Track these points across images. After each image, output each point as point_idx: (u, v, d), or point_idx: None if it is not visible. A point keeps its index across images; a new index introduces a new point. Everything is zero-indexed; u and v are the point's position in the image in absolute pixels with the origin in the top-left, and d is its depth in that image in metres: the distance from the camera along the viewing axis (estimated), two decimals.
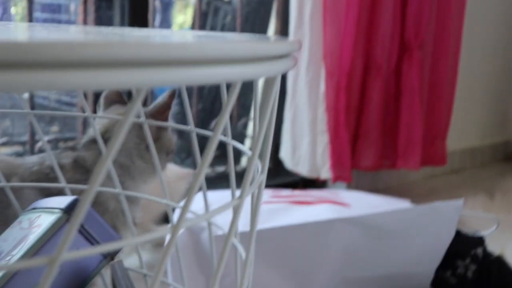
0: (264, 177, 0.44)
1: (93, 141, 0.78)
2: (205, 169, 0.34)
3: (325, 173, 1.55)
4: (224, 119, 0.35)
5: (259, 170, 0.45)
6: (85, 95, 1.02)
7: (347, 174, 1.55)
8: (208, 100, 1.80)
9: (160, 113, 0.75)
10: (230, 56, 0.31)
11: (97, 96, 1.22)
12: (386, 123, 1.66)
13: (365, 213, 0.91)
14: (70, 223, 0.27)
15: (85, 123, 1.21)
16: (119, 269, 0.53)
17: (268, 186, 1.56)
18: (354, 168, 1.63)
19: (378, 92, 1.61)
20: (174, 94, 0.77)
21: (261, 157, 0.45)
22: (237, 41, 0.33)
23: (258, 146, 0.40)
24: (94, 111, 0.86)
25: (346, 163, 1.54)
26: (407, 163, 1.66)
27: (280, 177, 1.70)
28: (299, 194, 1.08)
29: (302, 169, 1.59)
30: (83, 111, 1.26)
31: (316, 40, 1.52)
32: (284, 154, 1.64)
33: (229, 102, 0.35)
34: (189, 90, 1.76)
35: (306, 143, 1.58)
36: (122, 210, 0.75)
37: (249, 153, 0.45)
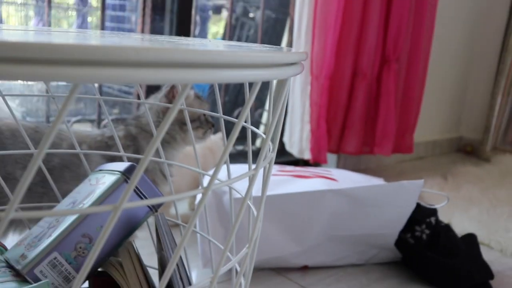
0: (274, 155, 0.44)
1: (138, 117, 0.80)
2: (230, 147, 0.34)
3: (307, 154, 1.54)
4: (247, 110, 0.35)
5: (270, 149, 0.45)
6: (141, 86, 1.03)
7: (323, 157, 1.52)
8: (233, 94, 1.80)
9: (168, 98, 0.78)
10: (253, 62, 0.31)
11: (148, 87, 1.22)
12: (367, 117, 1.64)
13: (349, 186, 0.91)
14: (130, 182, 0.27)
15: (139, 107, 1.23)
16: (161, 219, 0.53)
17: (276, 162, 1.57)
18: (340, 152, 1.62)
19: (363, 93, 1.60)
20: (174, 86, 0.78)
21: (272, 139, 0.45)
22: (259, 51, 0.33)
23: (271, 131, 0.40)
24: (146, 98, 0.87)
25: (323, 148, 1.52)
26: (382, 150, 1.64)
27: (285, 156, 1.69)
28: (299, 169, 1.08)
29: (294, 151, 1.59)
30: (138, 98, 1.27)
31: (308, 50, 1.50)
32: (285, 138, 1.63)
33: (251, 97, 0.35)
34: (218, 85, 1.76)
35: (297, 130, 1.57)
36: (160, 169, 0.77)
37: (263, 136, 0.45)
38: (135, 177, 0.27)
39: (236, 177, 0.37)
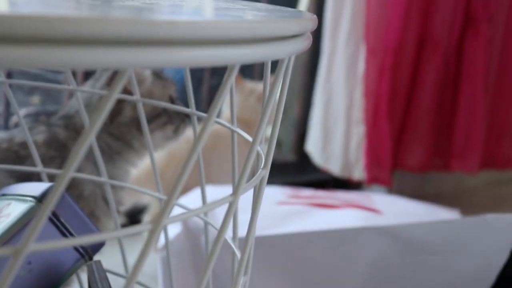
0: (266, 171, 0.47)
1: (69, 115, 0.83)
2: (195, 155, 0.37)
3: (359, 172, 1.57)
4: (219, 102, 0.38)
5: (262, 164, 0.48)
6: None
7: (386, 176, 1.55)
8: (222, 76, 1.83)
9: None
10: (226, 36, 0.34)
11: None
12: (440, 113, 1.66)
13: (399, 222, 0.92)
14: (40, 210, 0.30)
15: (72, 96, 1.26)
16: (96, 270, 0.56)
17: (291, 183, 1.59)
18: (396, 168, 1.64)
19: (433, 74, 1.61)
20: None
21: (268, 147, 0.48)
22: (237, 21, 0.36)
23: (260, 132, 0.43)
24: (84, 82, 0.90)
25: (385, 161, 1.55)
26: (463, 165, 1.66)
27: (307, 174, 1.72)
28: (322, 195, 1.10)
29: (333, 166, 1.61)
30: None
31: (357, 10, 1.54)
32: (313, 147, 1.66)
33: (225, 85, 0.39)
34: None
35: (340, 134, 1.59)
36: (102, 195, 0.80)
37: (250, 139, 0.48)
38: (50, 201, 0.30)
39: (209, 204, 0.40)
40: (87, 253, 0.57)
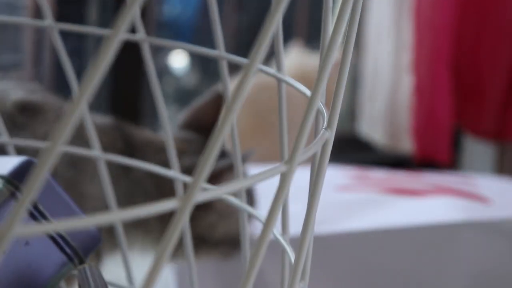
0: (331, 134, 0.46)
1: None
2: (233, 114, 0.37)
3: (405, 142, 1.58)
4: (265, 40, 0.38)
5: (324, 122, 0.47)
6: None
7: (443, 149, 1.55)
8: (256, 11, 1.84)
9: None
10: None
11: None
12: None
13: None
14: (18, 201, 0.29)
15: None
16: (91, 276, 0.56)
17: (359, 161, 1.59)
18: (501, 139, 1.64)
19: None
20: (221, 98, 0.90)
21: (334, 98, 0.47)
22: None
23: (322, 80, 0.42)
24: None
25: (443, 125, 1.54)
26: None
27: (371, 152, 1.73)
28: (402, 177, 1.11)
29: (375, 132, 1.65)
30: None
31: None
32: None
33: (277, 11, 0.38)
34: None
35: (384, 86, 1.62)
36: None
37: (308, 93, 0.48)
38: (31, 189, 0.30)
39: (253, 176, 0.40)
40: (77, 254, 0.57)
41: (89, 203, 0.87)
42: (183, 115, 1.01)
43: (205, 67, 2.49)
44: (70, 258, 0.58)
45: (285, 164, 0.41)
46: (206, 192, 0.36)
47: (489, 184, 1.09)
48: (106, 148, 0.75)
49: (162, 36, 2.37)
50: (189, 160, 0.91)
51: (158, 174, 0.67)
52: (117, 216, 0.35)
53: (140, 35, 0.66)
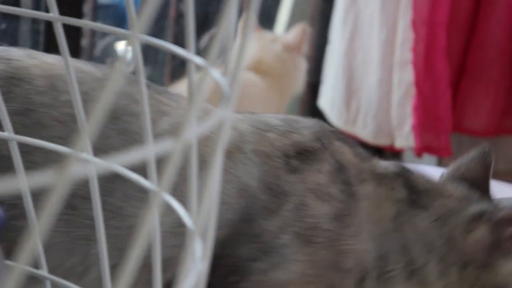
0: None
1: None
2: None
3: (404, 138, 1.57)
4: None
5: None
6: None
7: (444, 142, 1.55)
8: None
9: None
10: None
11: None
12: None
13: None
14: None
15: None
16: None
17: None
18: (456, 131, 1.66)
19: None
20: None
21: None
22: None
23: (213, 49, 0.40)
24: None
25: (444, 121, 1.55)
26: None
27: None
28: None
29: (362, 131, 1.62)
30: None
31: None
32: (326, 101, 1.68)
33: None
34: None
35: (373, 83, 1.59)
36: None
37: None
38: None
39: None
40: None
41: None
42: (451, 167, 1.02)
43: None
44: None
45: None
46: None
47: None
48: None
49: (105, 20, 2.36)
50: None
51: None
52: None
53: (54, 15, 0.66)
